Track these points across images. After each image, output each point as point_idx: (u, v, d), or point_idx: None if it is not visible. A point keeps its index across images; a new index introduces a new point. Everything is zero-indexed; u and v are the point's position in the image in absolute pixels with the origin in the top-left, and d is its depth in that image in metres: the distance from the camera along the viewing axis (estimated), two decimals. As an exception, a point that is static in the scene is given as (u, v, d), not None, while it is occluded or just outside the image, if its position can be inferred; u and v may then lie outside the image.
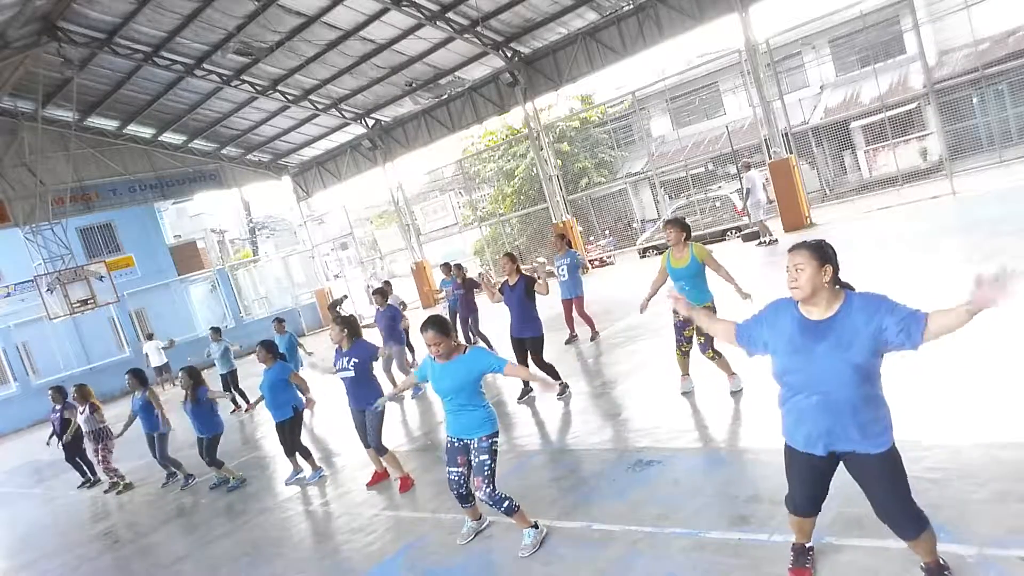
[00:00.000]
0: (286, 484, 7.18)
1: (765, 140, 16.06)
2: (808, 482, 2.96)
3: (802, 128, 20.42)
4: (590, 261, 19.95)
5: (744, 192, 15.09)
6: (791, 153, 15.80)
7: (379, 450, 6.06)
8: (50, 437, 10.36)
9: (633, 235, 24.10)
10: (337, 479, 6.96)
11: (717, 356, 5.96)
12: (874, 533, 3.19)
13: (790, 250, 2.80)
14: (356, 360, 5.95)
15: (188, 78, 18.71)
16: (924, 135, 20.52)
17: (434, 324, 4.21)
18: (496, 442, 4.27)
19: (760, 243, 14.58)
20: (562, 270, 9.70)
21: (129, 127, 22.12)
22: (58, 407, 9.98)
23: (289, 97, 20.16)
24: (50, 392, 10.23)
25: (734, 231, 17.71)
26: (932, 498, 3.36)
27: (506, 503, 4.18)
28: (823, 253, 2.74)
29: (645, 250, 19.48)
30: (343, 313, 9.70)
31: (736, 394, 5.91)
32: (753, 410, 5.59)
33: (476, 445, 4.20)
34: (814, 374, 2.72)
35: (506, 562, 4.20)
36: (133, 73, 18.53)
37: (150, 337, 19.57)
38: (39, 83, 17.36)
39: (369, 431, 6.04)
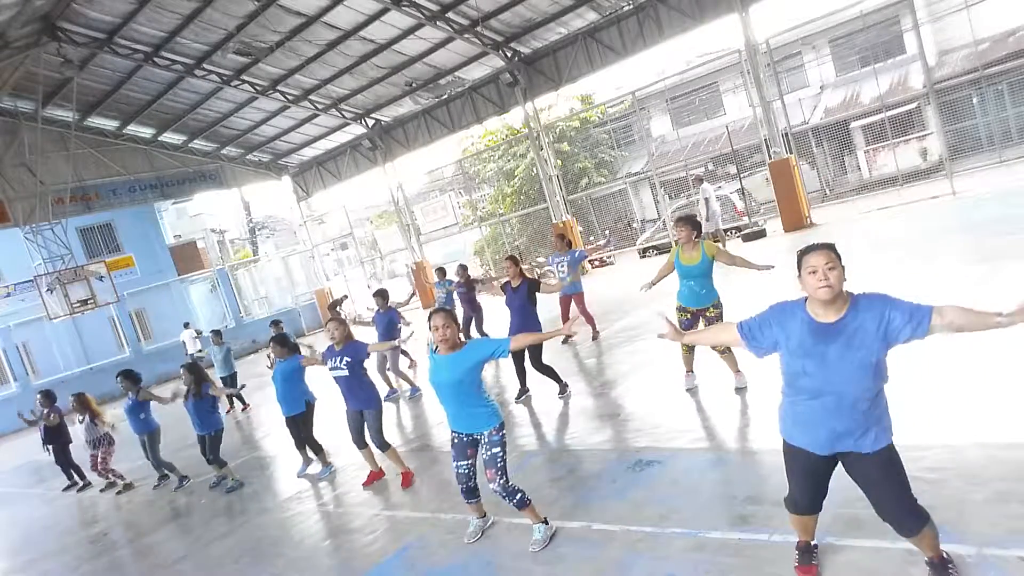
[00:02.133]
0: (297, 476, 7.17)
1: (765, 140, 16.07)
2: (812, 480, 2.97)
3: (802, 128, 20.42)
4: (590, 261, 19.93)
5: (704, 204, 15.25)
6: (791, 153, 15.80)
7: (382, 446, 6.08)
8: (45, 444, 10.24)
9: (633, 235, 24.11)
10: (337, 479, 6.95)
11: (727, 351, 5.95)
12: (874, 533, 3.19)
13: (809, 251, 2.75)
14: (348, 359, 5.97)
15: (188, 78, 18.70)
16: (924, 135, 20.52)
17: (443, 311, 4.27)
18: (504, 434, 4.28)
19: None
20: (561, 267, 9.71)
21: (129, 127, 22.11)
22: (45, 411, 9.92)
23: (289, 97, 20.16)
24: (38, 396, 10.16)
25: (734, 231, 17.72)
26: (931, 498, 3.34)
27: (518, 495, 4.21)
28: (839, 254, 2.74)
29: (645, 250, 19.49)
30: (342, 313, 9.71)
31: (740, 391, 5.91)
32: (753, 410, 5.59)
33: (487, 439, 4.21)
34: (828, 377, 2.72)
35: (506, 562, 4.20)
36: (133, 73, 18.52)
37: (187, 326, 20.16)
38: (39, 83, 17.34)
39: (370, 428, 6.07)
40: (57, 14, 15.83)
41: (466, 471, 4.33)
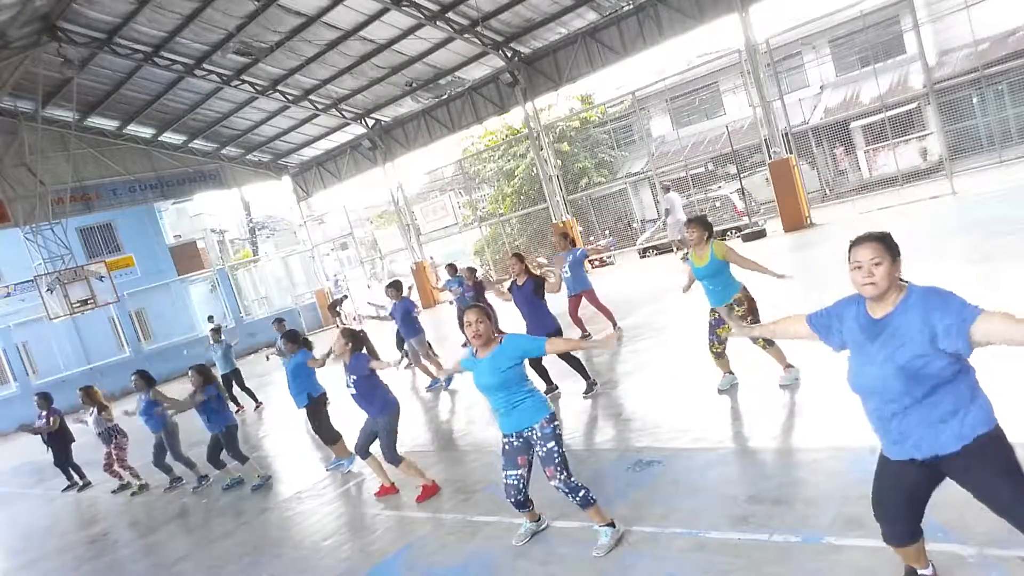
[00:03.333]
0: (327, 470, 7.11)
1: (765, 140, 16.07)
2: (894, 495, 2.67)
3: (802, 128, 20.41)
4: (590, 261, 19.92)
5: (664, 212, 15.34)
6: (791, 153, 15.80)
7: (393, 461, 5.72)
8: (47, 445, 10.26)
9: (633, 235, 24.11)
10: (338, 480, 6.96)
11: (768, 345, 5.70)
12: (874, 533, 3.18)
13: (855, 243, 2.55)
14: (355, 377, 5.75)
15: (188, 78, 18.71)
16: (924, 135, 20.51)
17: (476, 306, 4.14)
18: (559, 425, 4.01)
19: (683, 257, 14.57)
20: (564, 267, 9.68)
21: (129, 127, 22.11)
22: (43, 413, 9.94)
23: (289, 97, 20.16)
24: (35, 398, 10.19)
25: (734, 231, 17.72)
26: (932, 498, 3.34)
27: (582, 492, 3.94)
28: (894, 244, 2.52)
29: (645, 250, 19.49)
30: (342, 313, 9.72)
31: (784, 387, 5.67)
32: (754, 409, 5.59)
33: (539, 433, 3.93)
34: (863, 375, 2.54)
35: (506, 561, 4.20)
36: (133, 73, 18.52)
37: (210, 319, 20.57)
38: (39, 83, 17.33)
39: (381, 440, 5.75)
40: (57, 14, 15.83)
41: (516, 482, 4.05)
